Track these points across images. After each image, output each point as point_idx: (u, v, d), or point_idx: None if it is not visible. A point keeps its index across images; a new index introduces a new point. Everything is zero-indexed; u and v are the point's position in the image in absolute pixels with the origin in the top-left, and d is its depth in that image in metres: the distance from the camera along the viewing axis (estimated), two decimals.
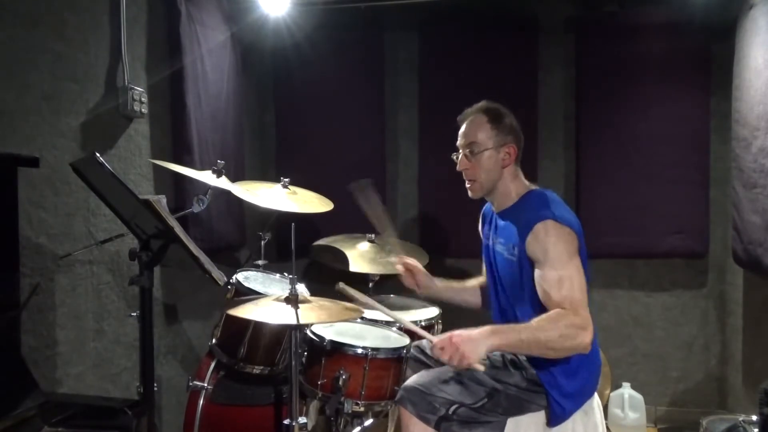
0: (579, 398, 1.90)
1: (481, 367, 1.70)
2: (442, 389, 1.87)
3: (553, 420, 1.88)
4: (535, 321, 1.72)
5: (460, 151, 2.01)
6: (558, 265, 1.75)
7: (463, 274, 2.42)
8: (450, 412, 1.85)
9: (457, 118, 2.04)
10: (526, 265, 1.85)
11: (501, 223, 2.01)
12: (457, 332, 1.70)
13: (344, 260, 2.85)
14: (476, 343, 1.67)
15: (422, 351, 2.24)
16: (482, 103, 2.02)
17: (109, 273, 2.38)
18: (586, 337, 1.68)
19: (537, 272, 1.80)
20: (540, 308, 1.79)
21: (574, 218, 1.85)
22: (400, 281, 2.31)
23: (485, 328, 1.71)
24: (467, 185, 2.01)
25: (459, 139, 2.02)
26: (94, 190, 1.82)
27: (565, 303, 1.71)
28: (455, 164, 2.04)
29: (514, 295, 1.95)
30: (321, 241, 3.03)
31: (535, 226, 1.80)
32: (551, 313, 1.72)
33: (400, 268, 2.28)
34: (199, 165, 2.73)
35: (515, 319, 1.90)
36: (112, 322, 2.40)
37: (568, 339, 1.68)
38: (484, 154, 1.94)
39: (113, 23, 2.39)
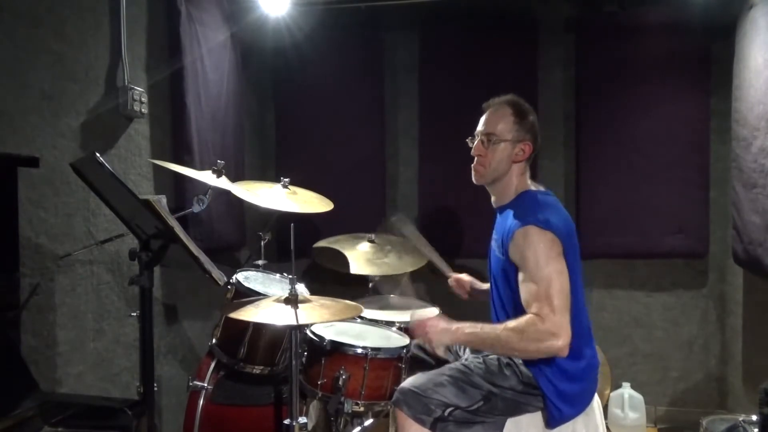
0: (578, 403, 1.90)
1: (444, 355, 1.98)
2: (438, 391, 1.87)
3: (551, 422, 1.88)
4: (503, 324, 1.79)
5: (477, 136, 2.01)
6: (534, 270, 1.77)
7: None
8: (445, 414, 1.85)
9: (483, 104, 2.04)
10: (510, 265, 1.87)
11: (498, 218, 2.03)
12: (433, 320, 1.93)
13: (344, 262, 2.85)
14: (441, 334, 1.88)
15: (423, 349, 2.24)
16: (510, 96, 2.02)
17: (109, 273, 2.38)
18: (556, 343, 1.71)
19: (518, 276, 1.83)
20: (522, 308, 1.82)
21: (561, 222, 1.85)
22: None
23: (455, 324, 1.88)
24: (473, 167, 2.01)
25: (479, 125, 2.02)
26: (94, 190, 1.82)
27: (539, 308, 1.73)
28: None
29: (504, 292, 1.96)
30: (322, 243, 3.03)
31: (515, 231, 1.82)
32: (521, 319, 1.76)
33: (452, 282, 2.55)
34: (199, 165, 2.73)
35: (508, 314, 1.93)
36: (112, 322, 2.40)
37: (533, 343, 1.73)
38: (500, 144, 1.95)
39: (113, 23, 2.39)
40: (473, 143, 2.01)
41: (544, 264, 1.76)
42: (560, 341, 1.70)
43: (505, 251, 1.88)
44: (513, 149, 1.95)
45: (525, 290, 1.79)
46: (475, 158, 2.00)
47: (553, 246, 1.79)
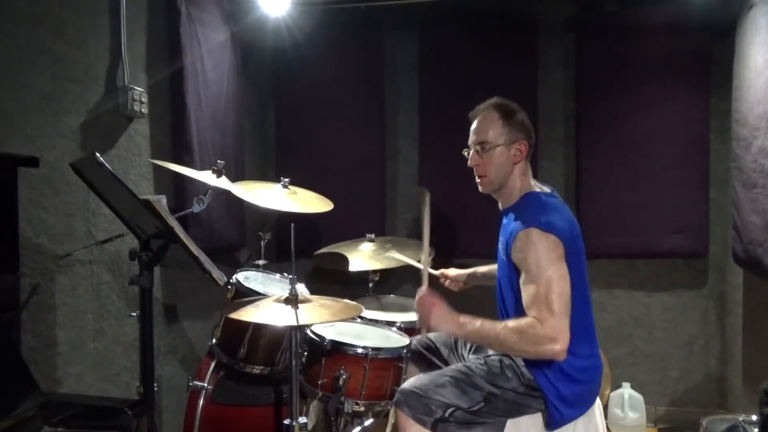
0: (579, 406, 1.90)
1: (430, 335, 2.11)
2: (439, 392, 1.87)
3: (551, 424, 1.88)
4: (504, 324, 1.79)
5: (470, 147, 2.01)
6: (535, 273, 1.77)
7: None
8: (446, 414, 1.86)
9: (469, 114, 2.04)
10: (513, 268, 1.87)
11: (504, 221, 2.03)
12: (440, 304, 1.92)
13: (344, 261, 2.85)
14: (442, 321, 1.90)
15: (425, 345, 2.24)
16: (494, 99, 2.01)
17: (109, 273, 2.38)
18: (554, 347, 1.71)
19: (520, 279, 1.83)
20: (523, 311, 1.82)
21: (564, 224, 1.85)
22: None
23: (458, 316, 1.88)
24: (477, 180, 2.01)
25: (471, 135, 2.01)
26: (94, 190, 1.82)
27: (538, 312, 1.73)
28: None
29: (507, 294, 1.96)
30: (323, 250, 3.04)
31: (517, 233, 1.82)
32: (521, 320, 1.77)
33: (445, 281, 2.54)
34: (199, 165, 2.73)
35: (511, 316, 1.93)
36: (112, 322, 2.40)
37: (531, 346, 1.74)
38: (495, 150, 1.94)
39: (113, 23, 2.39)
40: (468, 154, 2.01)
41: (545, 267, 1.76)
42: (558, 345, 1.70)
43: (508, 254, 1.88)
44: (509, 151, 1.95)
45: (525, 293, 1.79)
46: (474, 169, 2.00)
47: (554, 249, 1.78)
